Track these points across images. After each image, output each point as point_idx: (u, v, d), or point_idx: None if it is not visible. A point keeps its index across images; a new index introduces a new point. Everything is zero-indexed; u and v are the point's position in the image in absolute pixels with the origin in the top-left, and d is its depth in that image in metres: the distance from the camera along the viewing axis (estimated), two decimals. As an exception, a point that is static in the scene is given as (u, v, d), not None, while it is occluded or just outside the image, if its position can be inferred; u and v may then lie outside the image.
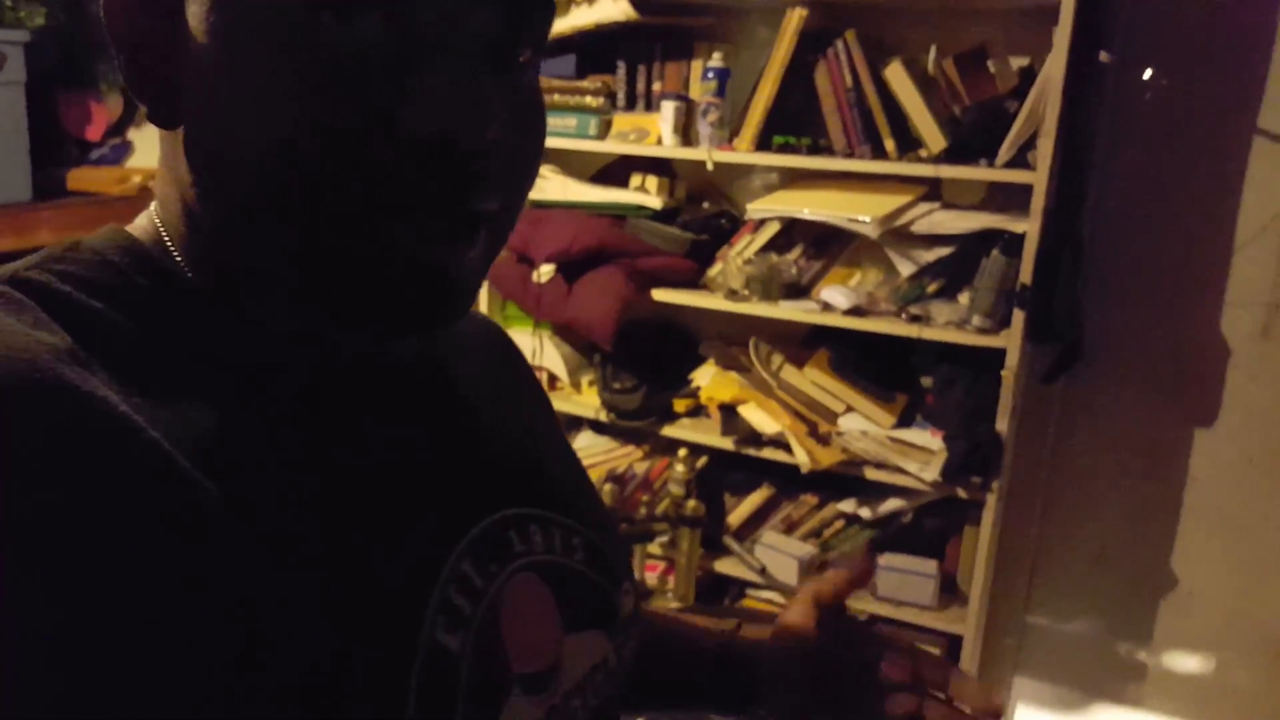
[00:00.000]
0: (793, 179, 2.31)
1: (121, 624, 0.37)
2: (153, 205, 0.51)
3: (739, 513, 2.35)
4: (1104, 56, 1.96)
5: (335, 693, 0.42)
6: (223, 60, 0.43)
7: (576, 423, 2.51)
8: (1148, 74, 2.11)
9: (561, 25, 2.23)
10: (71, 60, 2.55)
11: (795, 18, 2.10)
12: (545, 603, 0.53)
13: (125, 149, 2.72)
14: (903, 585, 2.18)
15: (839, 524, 2.29)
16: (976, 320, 2.05)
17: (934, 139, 2.05)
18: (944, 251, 2.13)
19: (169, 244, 0.49)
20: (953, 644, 2.20)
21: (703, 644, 0.76)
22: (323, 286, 0.46)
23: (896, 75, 2.06)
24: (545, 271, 2.30)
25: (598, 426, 2.49)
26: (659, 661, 0.72)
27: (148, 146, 2.72)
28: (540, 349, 2.45)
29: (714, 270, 2.28)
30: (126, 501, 0.38)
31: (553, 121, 2.16)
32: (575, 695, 0.54)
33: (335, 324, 0.48)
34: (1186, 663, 2.33)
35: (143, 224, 0.50)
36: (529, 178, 0.50)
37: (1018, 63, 2.09)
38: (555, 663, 0.53)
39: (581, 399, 2.46)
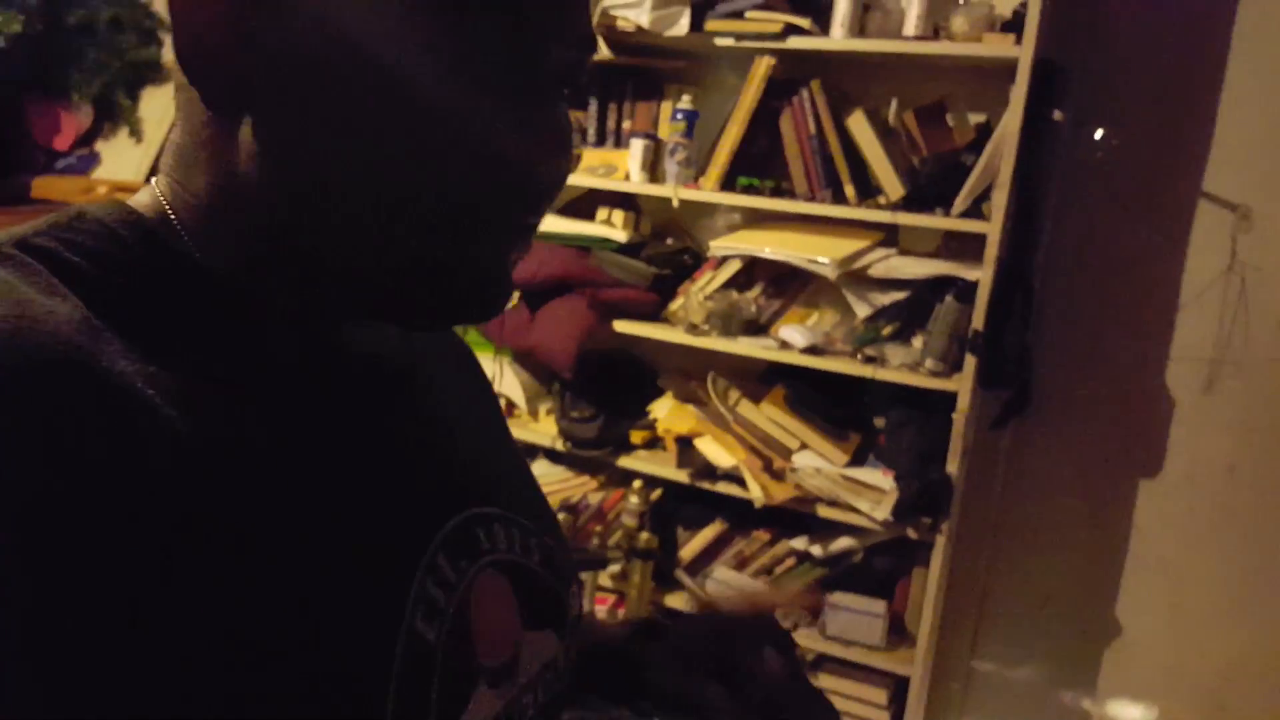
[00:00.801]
0: (755, 219, 2.36)
1: (110, 609, 0.37)
2: (156, 183, 0.50)
3: (691, 547, 2.35)
4: (1058, 115, 2.04)
5: (320, 676, 0.42)
6: (314, 74, 0.44)
7: (532, 451, 2.51)
8: (1099, 134, 2.20)
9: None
10: (44, 69, 2.55)
11: (763, 66, 2.17)
12: (507, 600, 0.55)
13: (93, 160, 2.72)
14: (852, 625, 2.20)
15: (790, 561, 2.30)
16: (929, 364, 2.09)
17: (893, 187, 2.11)
18: (899, 295, 2.18)
19: (177, 225, 0.48)
20: (899, 685, 2.21)
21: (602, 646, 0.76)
22: (391, 285, 0.48)
23: (859, 125, 2.12)
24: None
25: (553, 455, 2.50)
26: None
27: (115, 158, 2.72)
28: (500, 375, 2.47)
29: (675, 304, 2.31)
30: (134, 484, 0.39)
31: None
32: (528, 691, 0.55)
33: (388, 316, 0.51)
34: (1129, 711, 2.36)
35: (146, 200, 0.50)
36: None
37: (975, 118, 2.16)
38: (514, 658, 0.54)
39: (538, 427, 2.47)
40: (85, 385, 0.39)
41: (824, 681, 2.22)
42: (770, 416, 2.25)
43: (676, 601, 2.32)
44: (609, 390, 2.38)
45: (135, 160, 2.76)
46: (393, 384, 0.56)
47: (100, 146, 2.70)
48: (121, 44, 2.64)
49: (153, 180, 0.51)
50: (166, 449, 0.40)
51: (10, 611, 0.35)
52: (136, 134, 2.69)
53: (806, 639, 2.22)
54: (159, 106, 2.81)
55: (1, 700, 0.34)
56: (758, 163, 2.23)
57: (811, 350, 2.16)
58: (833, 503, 2.16)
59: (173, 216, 0.48)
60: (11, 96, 2.43)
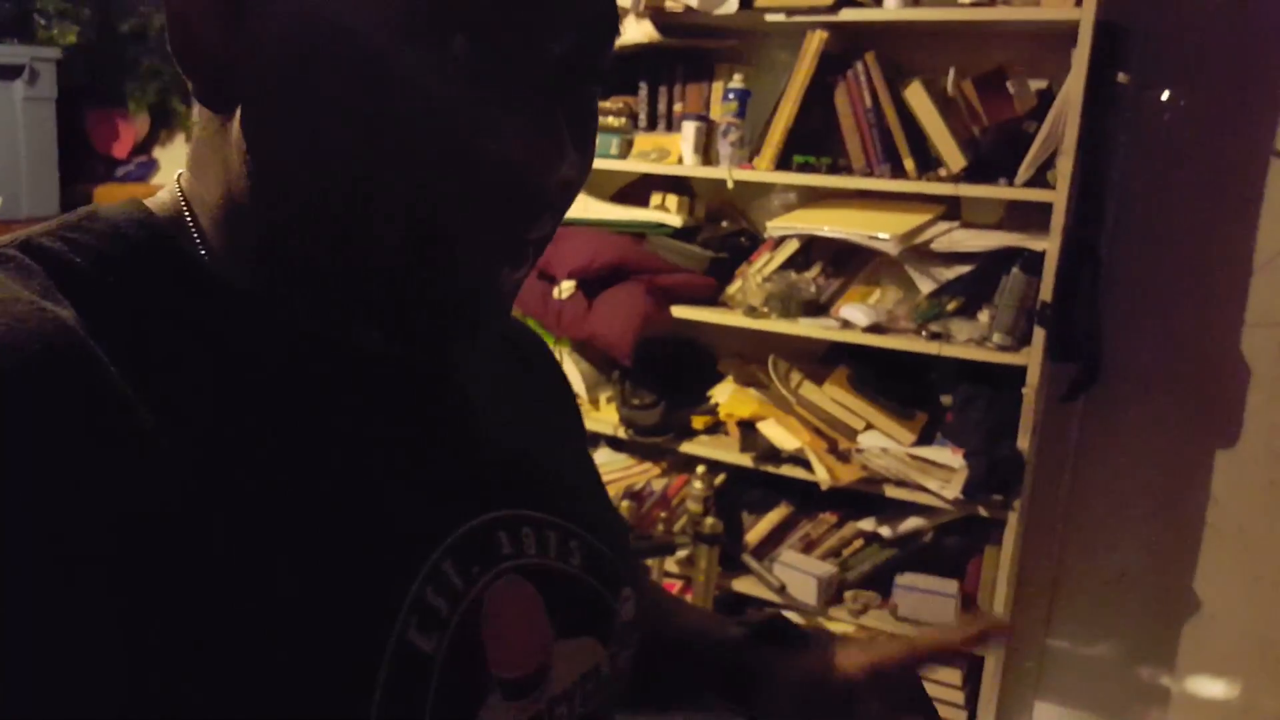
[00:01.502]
0: (811, 198, 2.33)
1: (98, 609, 0.37)
2: (177, 180, 0.50)
3: (757, 530, 2.34)
4: (1122, 78, 1.99)
5: (303, 685, 0.42)
6: (299, 66, 0.43)
7: (594, 439, 2.51)
8: (1165, 95, 2.14)
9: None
10: (101, 78, 2.59)
11: (815, 40, 2.13)
12: (533, 607, 0.52)
13: (151, 166, 2.77)
14: (923, 605, 2.17)
15: (858, 542, 2.28)
16: (997, 338, 2.05)
17: (953, 158, 2.07)
18: (963, 269, 2.14)
19: (190, 225, 0.48)
20: (974, 664, 2.18)
21: (715, 651, 0.75)
22: (376, 298, 0.47)
23: (916, 96, 2.08)
24: (566, 288, 2.31)
25: (615, 443, 2.50)
26: (667, 661, 0.72)
27: (174, 164, 2.76)
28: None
29: (733, 288, 2.29)
30: (119, 489, 0.38)
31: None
32: (562, 702, 0.53)
33: (377, 331, 0.49)
34: (1209, 686, 2.31)
35: (164, 200, 0.49)
36: (574, 199, 0.51)
37: (1036, 84, 2.11)
38: (541, 668, 0.52)
39: (600, 415, 2.46)
40: (70, 388, 0.38)
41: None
42: (834, 397, 2.22)
43: (744, 586, 2.31)
44: (669, 376, 2.37)
45: (191, 165, 2.80)
46: (410, 386, 0.54)
47: (158, 153, 2.75)
48: (173, 50, 2.68)
49: (176, 175, 0.50)
50: (151, 451, 0.40)
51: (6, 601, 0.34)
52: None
53: (877, 620, 2.20)
54: (212, 111, 2.85)
55: None
56: (813, 140, 2.20)
57: (874, 329, 2.12)
58: (901, 483, 2.14)
59: (188, 215, 0.48)
60: (70, 106, 2.47)
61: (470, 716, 0.47)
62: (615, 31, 0.48)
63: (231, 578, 0.41)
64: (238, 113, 0.45)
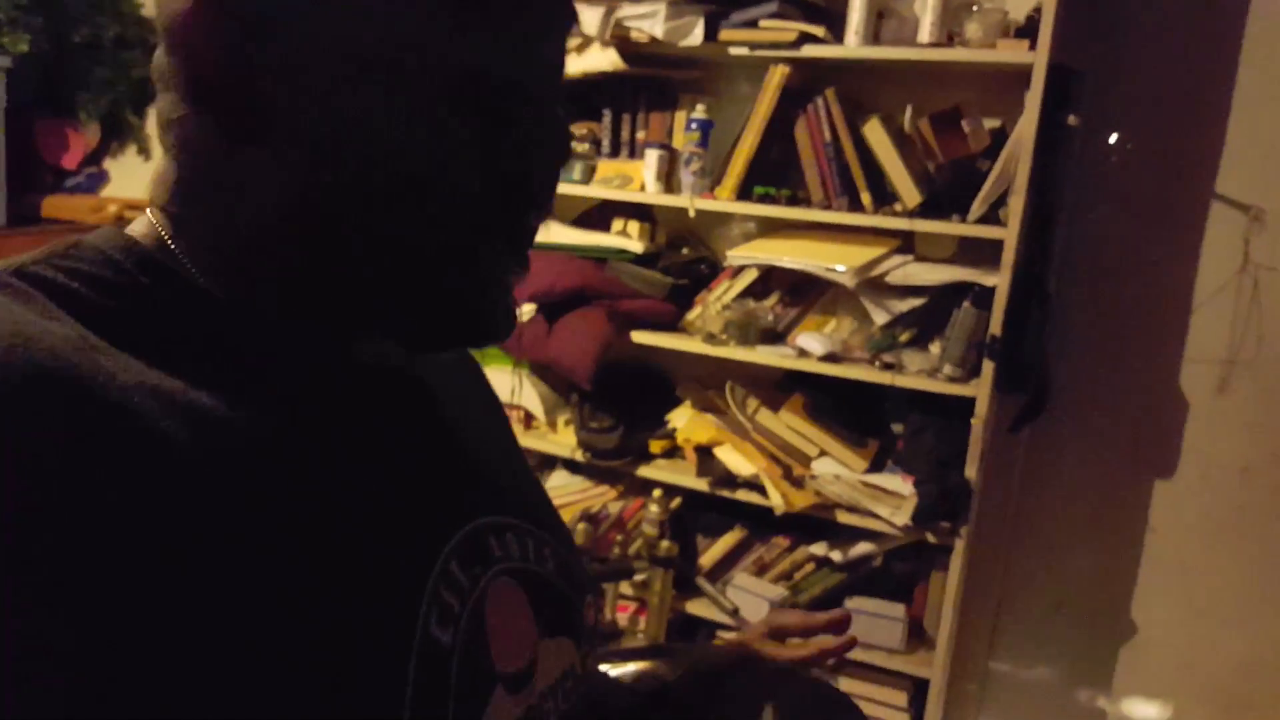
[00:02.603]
0: (770, 228, 2.37)
1: (125, 620, 0.37)
2: (150, 212, 0.50)
3: (711, 554, 2.37)
4: (1073, 120, 2.05)
5: (336, 681, 0.43)
6: (330, 95, 0.45)
7: (551, 461, 2.52)
8: (1114, 138, 2.21)
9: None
10: (51, 88, 2.54)
11: (778, 74, 2.17)
12: (522, 607, 0.55)
13: (101, 178, 2.71)
14: (871, 628, 2.21)
15: (810, 566, 2.31)
16: (947, 369, 2.10)
17: (909, 194, 2.12)
18: (916, 302, 2.19)
19: (174, 248, 0.48)
20: (919, 687, 2.23)
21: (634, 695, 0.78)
22: (409, 306, 0.49)
23: (874, 132, 2.13)
24: (526, 311, 2.32)
25: (572, 466, 2.51)
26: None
27: (125, 176, 2.72)
28: (519, 388, 2.47)
29: (693, 314, 2.32)
30: (140, 497, 0.39)
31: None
32: (549, 697, 0.56)
33: (403, 339, 0.52)
34: (1145, 710, 2.38)
35: (141, 229, 0.50)
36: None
37: (990, 124, 2.17)
38: (531, 664, 0.54)
39: (557, 438, 2.47)
40: (83, 401, 0.39)
41: (844, 685, 2.23)
42: (789, 424, 2.26)
43: (698, 608, 2.33)
44: (627, 400, 2.39)
45: (144, 178, 2.76)
46: (401, 395, 0.56)
47: (109, 164, 2.70)
48: (127, 61, 2.63)
49: (146, 212, 0.51)
50: (169, 460, 0.40)
51: (13, 623, 0.35)
52: (145, 151, 2.68)
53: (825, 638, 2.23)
54: (166, 121, 2.80)
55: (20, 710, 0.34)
56: (773, 171, 2.24)
57: (829, 358, 2.16)
58: (852, 509, 2.18)
59: (171, 243, 0.49)
60: (20, 117, 2.42)
61: (483, 706, 0.50)
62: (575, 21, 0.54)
63: (255, 579, 0.41)
64: (256, 143, 0.46)
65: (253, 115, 0.45)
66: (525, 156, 0.48)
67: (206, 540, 0.40)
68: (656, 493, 2.28)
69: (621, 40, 2.27)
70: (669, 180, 2.30)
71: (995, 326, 2.05)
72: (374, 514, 0.49)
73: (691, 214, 2.26)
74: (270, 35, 0.44)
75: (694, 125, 2.24)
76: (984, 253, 2.11)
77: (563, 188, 2.37)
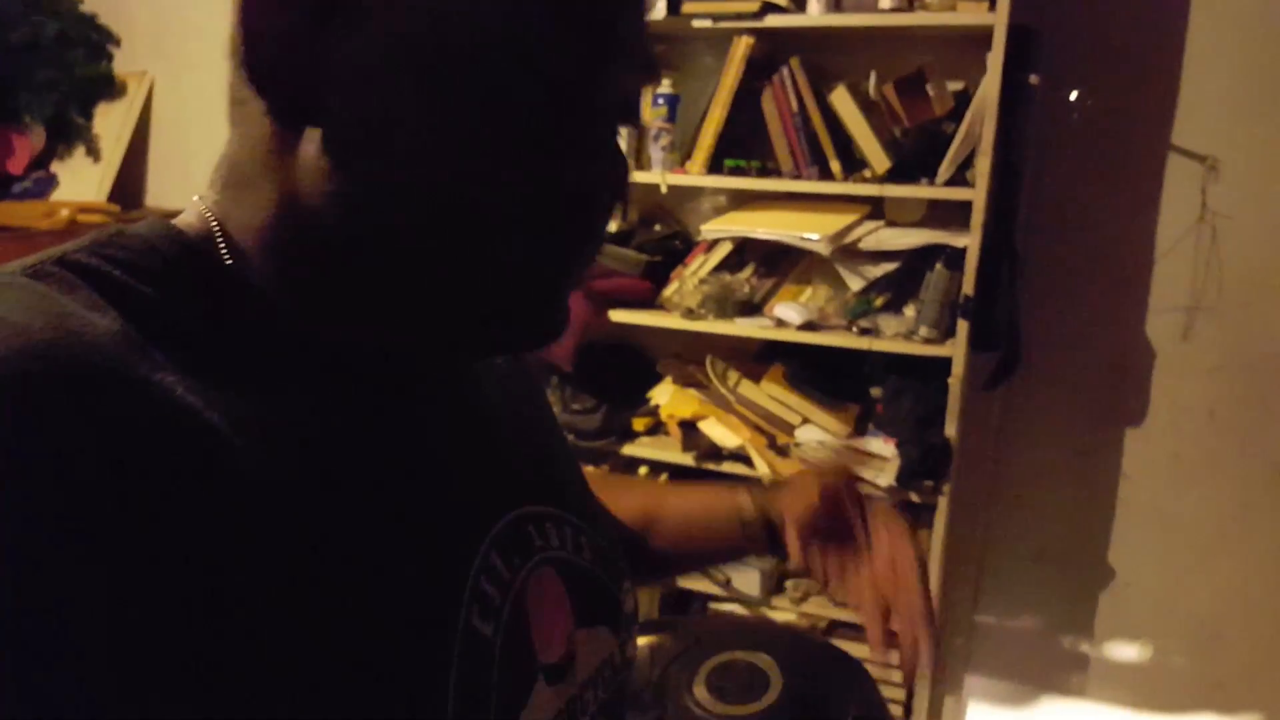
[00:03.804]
0: (742, 200, 2.38)
1: (170, 614, 0.37)
2: (202, 200, 0.50)
3: (699, 528, 2.37)
4: (1034, 79, 2.08)
5: (380, 675, 0.43)
6: (394, 87, 0.43)
7: (533, 446, 2.51)
8: (1074, 95, 2.25)
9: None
10: (-7, 91, 2.46)
11: (742, 46, 2.17)
12: (561, 597, 0.56)
13: (49, 182, 2.63)
14: (862, 591, 2.24)
15: (798, 534, 2.33)
16: (923, 331, 2.13)
17: (878, 160, 2.14)
18: (890, 267, 2.22)
19: (220, 243, 0.48)
20: (912, 645, 2.26)
21: (717, 514, 0.85)
22: (465, 316, 0.49)
23: (841, 100, 2.15)
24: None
25: (555, 449, 2.50)
26: (681, 538, 0.81)
27: (73, 179, 2.64)
28: (496, 373, 2.46)
29: (669, 290, 2.32)
30: (183, 490, 0.39)
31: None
32: (589, 687, 0.56)
33: (457, 345, 0.51)
34: (1126, 651, 2.45)
35: (190, 219, 0.49)
36: None
37: (954, 86, 2.19)
38: (571, 655, 0.55)
39: (538, 422, 2.46)
40: (125, 395, 0.39)
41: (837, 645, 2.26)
42: (771, 394, 2.28)
43: (689, 581, 2.35)
44: (608, 380, 2.39)
45: (95, 179, 2.68)
46: (441, 385, 0.57)
47: (56, 167, 2.62)
48: (70, 60, 2.55)
49: (196, 198, 0.50)
50: (210, 457, 0.40)
51: (61, 614, 0.35)
52: (93, 152, 2.60)
53: (818, 607, 2.27)
54: (114, 123, 2.73)
55: (75, 705, 0.35)
56: (743, 143, 2.24)
57: (807, 326, 2.18)
58: (838, 474, 2.20)
59: (219, 234, 0.48)
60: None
61: (524, 696, 0.50)
62: (658, 77, 0.54)
63: (298, 572, 0.42)
64: (311, 132, 0.45)
65: (306, 103, 0.44)
66: (589, 184, 0.48)
67: (250, 535, 0.40)
68: (643, 470, 2.29)
69: (583, 18, 2.25)
70: (639, 157, 2.30)
71: (968, 287, 2.08)
72: (414, 507, 0.49)
73: (663, 190, 2.26)
74: (336, 23, 0.43)
75: (660, 100, 2.24)
76: (953, 214, 2.14)
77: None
